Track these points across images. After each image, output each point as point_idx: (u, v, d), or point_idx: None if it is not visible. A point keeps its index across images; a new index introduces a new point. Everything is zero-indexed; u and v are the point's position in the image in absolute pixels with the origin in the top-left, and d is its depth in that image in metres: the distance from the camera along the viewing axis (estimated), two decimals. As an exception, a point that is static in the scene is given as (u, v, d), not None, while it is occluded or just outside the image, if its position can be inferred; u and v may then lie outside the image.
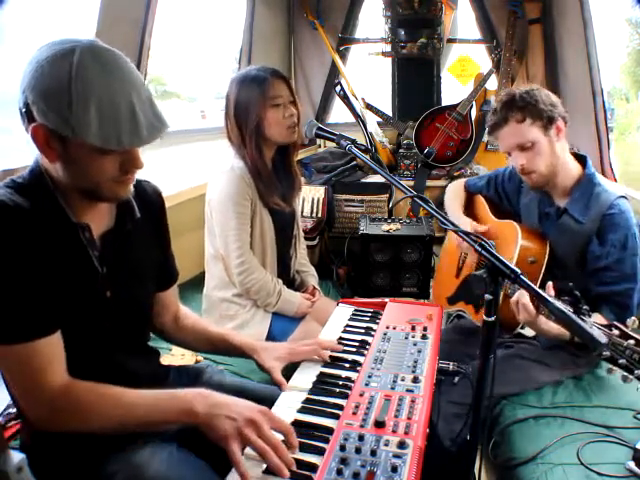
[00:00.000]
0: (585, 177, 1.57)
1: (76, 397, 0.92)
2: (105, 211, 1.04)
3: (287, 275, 1.97)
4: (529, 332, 1.66)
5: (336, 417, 0.98)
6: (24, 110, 0.86)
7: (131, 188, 0.98)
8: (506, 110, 1.54)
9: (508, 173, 1.85)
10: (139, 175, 1.02)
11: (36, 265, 0.88)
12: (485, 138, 3.47)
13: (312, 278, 2.04)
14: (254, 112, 1.69)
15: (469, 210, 1.99)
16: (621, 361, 1.10)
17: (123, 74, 0.87)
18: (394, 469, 0.83)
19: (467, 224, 1.81)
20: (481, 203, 1.93)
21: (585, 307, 1.19)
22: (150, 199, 1.15)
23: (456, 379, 1.52)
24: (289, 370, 1.21)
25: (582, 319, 1.18)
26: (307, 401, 1.06)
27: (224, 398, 0.94)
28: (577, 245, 1.56)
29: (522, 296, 1.35)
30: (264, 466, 0.86)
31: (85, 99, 0.82)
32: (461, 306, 1.85)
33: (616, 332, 1.14)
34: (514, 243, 1.61)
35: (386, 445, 0.89)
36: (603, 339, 0.86)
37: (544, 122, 1.52)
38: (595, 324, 1.18)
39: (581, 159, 1.62)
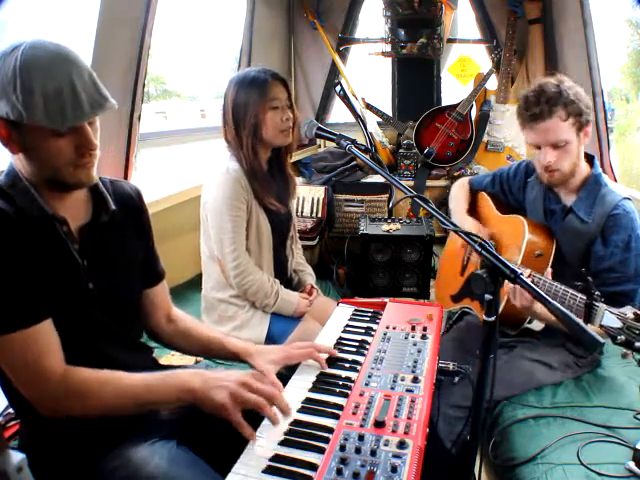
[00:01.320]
0: (592, 177, 1.57)
1: (76, 383, 0.95)
2: (81, 205, 1.07)
3: (284, 275, 1.97)
4: (537, 326, 1.66)
5: (336, 417, 0.98)
6: None
7: (94, 175, 1.02)
8: (552, 104, 1.48)
9: (513, 170, 1.84)
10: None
11: (21, 262, 0.92)
12: (485, 138, 3.47)
13: (309, 277, 2.04)
14: (252, 113, 1.69)
15: (474, 208, 1.99)
16: (637, 344, 1.10)
17: (63, 59, 0.92)
18: (394, 469, 0.83)
19: (472, 226, 1.81)
20: (485, 200, 1.93)
21: (597, 293, 1.20)
22: (128, 196, 1.18)
23: (456, 379, 1.52)
24: (290, 370, 1.21)
25: (595, 304, 1.20)
26: (307, 401, 1.06)
27: (216, 373, 0.99)
28: (581, 244, 1.56)
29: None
30: (263, 466, 0.87)
31: (29, 84, 0.88)
32: (467, 303, 1.85)
33: (631, 315, 1.14)
34: (521, 237, 1.62)
35: (386, 445, 0.89)
36: (601, 339, 0.86)
37: (581, 124, 1.51)
38: (608, 308, 1.18)
39: (588, 158, 1.62)
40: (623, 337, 1.12)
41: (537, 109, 1.50)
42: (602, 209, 1.52)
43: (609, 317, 1.18)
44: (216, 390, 0.93)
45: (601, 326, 1.19)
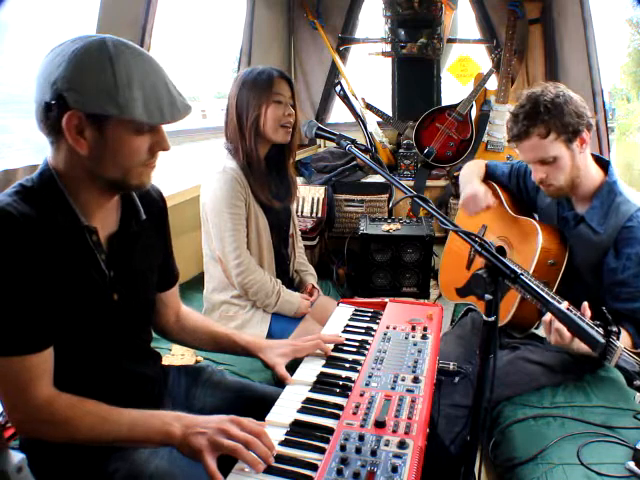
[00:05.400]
0: (606, 185, 1.50)
1: (58, 411, 0.92)
2: (111, 212, 1.04)
3: (286, 275, 1.97)
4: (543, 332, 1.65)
5: (336, 417, 0.98)
6: (54, 102, 0.87)
7: (152, 177, 1.01)
8: (529, 122, 1.44)
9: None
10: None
11: (41, 278, 0.88)
12: (485, 138, 3.47)
13: (311, 277, 2.04)
14: (255, 105, 1.70)
15: None
16: None
17: (151, 59, 0.93)
18: (394, 469, 0.83)
19: (480, 186, 1.72)
20: (498, 194, 1.82)
21: (615, 329, 1.14)
22: (153, 201, 1.15)
23: (456, 379, 1.52)
24: (290, 370, 1.21)
25: (612, 343, 1.13)
26: (307, 401, 1.06)
27: (196, 417, 0.95)
28: (593, 255, 1.50)
29: (555, 319, 1.25)
30: (263, 466, 0.86)
31: (129, 80, 0.87)
32: (472, 300, 1.84)
33: None
34: (535, 243, 1.56)
35: (386, 445, 0.89)
36: (602, 340, 0.85)
37: (569, 136, 1.43)
38: (625, 350, 1.13)
39: (603, 164, 1.55)
40: (639, 382, 1.09)
41: (516, 129, 1.47)
42: (616, 220, 1.45)
43: (626, 359, 1.13)
44: (196, 437, 0.90)
45: (617, 366, 1.14)
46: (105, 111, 0.87)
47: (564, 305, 1.30)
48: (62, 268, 0.92)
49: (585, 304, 1.28)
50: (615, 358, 1.14)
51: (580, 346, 1.27)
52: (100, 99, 0.86)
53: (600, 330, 1.16)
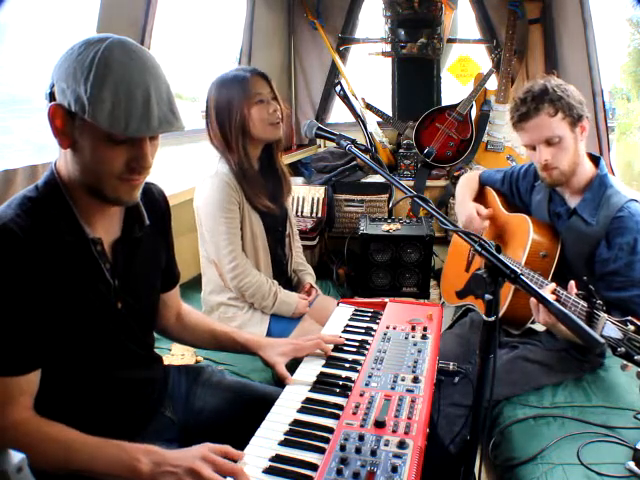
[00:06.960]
0: (597, 178, 1.54)
1: (25, 434, 0.88)
2: (114, 218, 1.02)
3: (284, 275, 1.97)
4: (540, 327, 1.65)
5: (336, 417, 0.98)
6: (49, 92, 0.88)
7: (137, 194, 0.96)
8: (538, 101, 1.50)
9: (524, 171, 1.82)
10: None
11: (39, 297, 0.87)
12: (485, 138, 3.47)
13: (309, 276, 2.03)
14: (237, 111, 1.67)
15: (480, 202, 1.97)
16: (637, 357, 1.09)
17: (145, 65, 0.87)
18: (394, 469, 0.83)
19: (472, 208, 1.81)
20: (492, 197, 1.91)
21: (599, 302, 1.18)
22: (157, 203, 1.14)
23: (456, 379, 1.52)
24: (289, 370, 1.21)
25: (596, 313, 1.18)
26: (307, 401, 1.06)
27: (167, 454, 0.88)
28: (586, 247, 1.53)
29: None
30: (264, 466, 0.87)
31: (103, 79, 0.83)
32: (470, 300, 1.85)
33: (632, 327, 1.13)
34: (526, 237, 1.61)
35: (386, 445, 0.89)
36: (602, 339, 0.85)
37: (574, 119, 1.50)
38: (609, 319, 1.17)
39: (594, 160, 1.59)
40: (623, 349, 1.10)
41: (524, 108, 1.52)
42: (607, 211, 1.48)
43: (610, 327, 1.15)
44: (164, 476, 0.85)
45: (602, 336, 1.16)
46: (73, 107, 0.84)
47: (551, 287, 1.37)
48: (65, 282, 0.90)
49: (572, 283, 1.33)
50: (599, 328, 1.17)
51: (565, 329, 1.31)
52: (72, 94, 0.83)
53: (584, 302, 1.22)
